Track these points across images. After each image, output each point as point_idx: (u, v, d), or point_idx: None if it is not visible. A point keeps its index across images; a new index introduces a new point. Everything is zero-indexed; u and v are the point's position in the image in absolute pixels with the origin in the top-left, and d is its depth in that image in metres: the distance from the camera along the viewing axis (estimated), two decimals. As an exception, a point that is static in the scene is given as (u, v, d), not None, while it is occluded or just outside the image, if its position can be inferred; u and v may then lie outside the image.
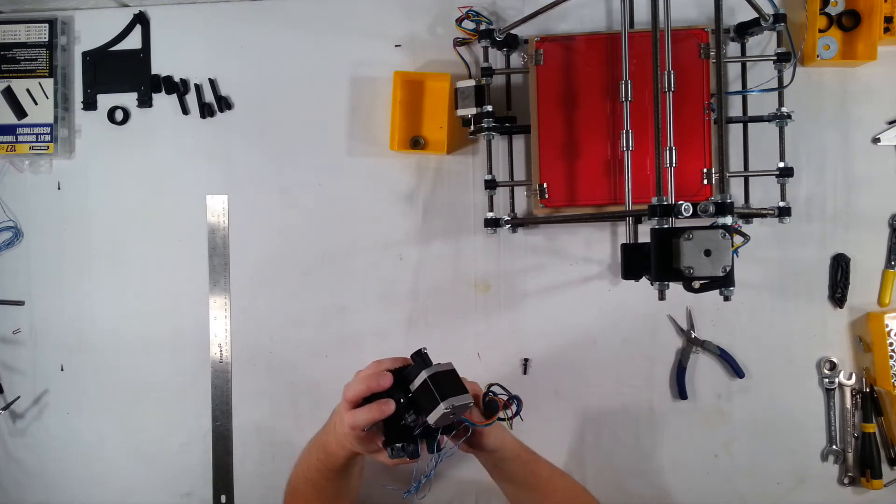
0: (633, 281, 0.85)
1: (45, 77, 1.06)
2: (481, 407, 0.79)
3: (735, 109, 1.01)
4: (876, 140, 1.01)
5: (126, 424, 1.08)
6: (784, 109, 0.96)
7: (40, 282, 1.09)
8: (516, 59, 1.03)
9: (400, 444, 0.75)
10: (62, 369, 1.09)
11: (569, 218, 0.99)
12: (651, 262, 0.78)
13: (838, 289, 1.01)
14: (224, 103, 1.07)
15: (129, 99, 1.08)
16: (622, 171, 0.92)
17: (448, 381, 0.74)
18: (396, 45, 1.05)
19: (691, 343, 1.02)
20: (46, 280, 1.09)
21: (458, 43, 1.02)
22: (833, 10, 0.98)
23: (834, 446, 1.02)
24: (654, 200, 0.79)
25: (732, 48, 1.01)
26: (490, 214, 1.01)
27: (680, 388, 1.02)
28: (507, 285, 1.05)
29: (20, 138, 1.06)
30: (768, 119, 0.97)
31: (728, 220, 0.76)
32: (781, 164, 0.97)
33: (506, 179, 1.03)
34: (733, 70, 1.01)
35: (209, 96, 1.07)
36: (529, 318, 1.04)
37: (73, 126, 1.09)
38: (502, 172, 1.04)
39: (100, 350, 1.08)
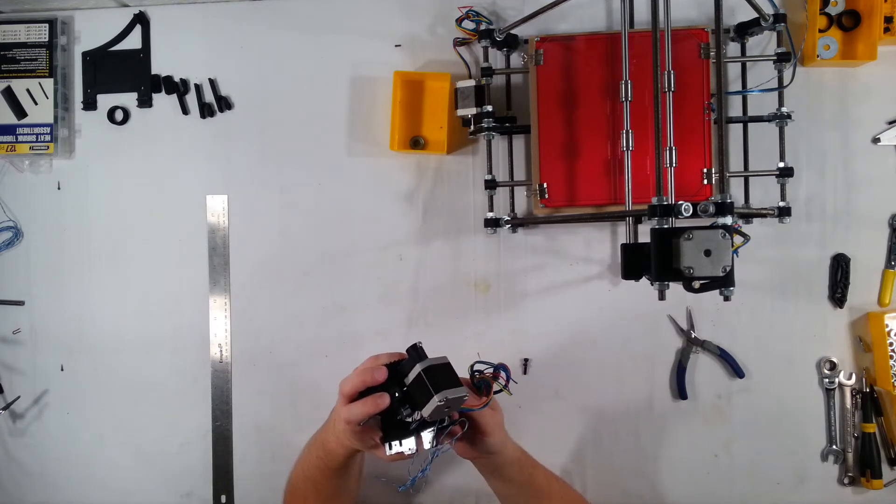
0: (633, 281, 0.85)
1: (45, 77, 1.06)
2: (474, 390, 0.78)
3: (735, 109, 1.01)
4: (876, 140, 1.01)
5: (126, 424, 1.08)
6: (784, 109, 0.96)
7: (40, 282, 1.09)
8: (516, 59, 1.03)
9: (397, 440, 0.75)
10: (62, 369, 1.09)
11: (569, 218, 0.99)
12: (651, 262, 0.78)
13: (838, 289, 1.01)
14: (224, 103, 1.07)
15: (129, 99, 1.08)
16: (622, 171, 0.92)
17: (442, 374, 0.74)
18: (396, 45, 1.05)
19: (691, 343, 1.02)
20: (46, 280, 1.09)
21: (458, 43, 1.02)
22: (833, 10, 0.98)
23: (834, 446, 1.02)
24: (654, 200, 0.79)
25: (732, 48, 1.01)
26: (490, 214, 1.01)
27: (680, 388, 1.02)
28: (507, 285, 1.05)
29: (20, 138, 1.06)
30: (768, 119, 0.97)
31: (728, 220, 0.76)
32: (781, 164, 0.97)
33: (506, 179, 1.03)
34: (733, 70, 1.01)
35: (209, 96, 1.07)
36: (529, 318, 1.04)
37: (73, 126, 1.09)
38: (502, 172, 1.04)
39: (100, 350, 1.08)
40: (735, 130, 1.00)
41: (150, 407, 1.08)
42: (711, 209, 0.76)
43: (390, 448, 0.75)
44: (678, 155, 0.83)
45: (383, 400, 0.73)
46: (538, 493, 0.88)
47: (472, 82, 0.99)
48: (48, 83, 1.06)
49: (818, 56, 0.97)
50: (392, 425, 0.75)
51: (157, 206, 1.08)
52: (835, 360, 1.01)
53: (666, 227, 0.78)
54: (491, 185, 1.01)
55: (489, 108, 0.98)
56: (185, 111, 1.08)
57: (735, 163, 1.00)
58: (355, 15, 1.06)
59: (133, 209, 1.08)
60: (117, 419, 1.08)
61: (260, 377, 1.07)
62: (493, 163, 1.01)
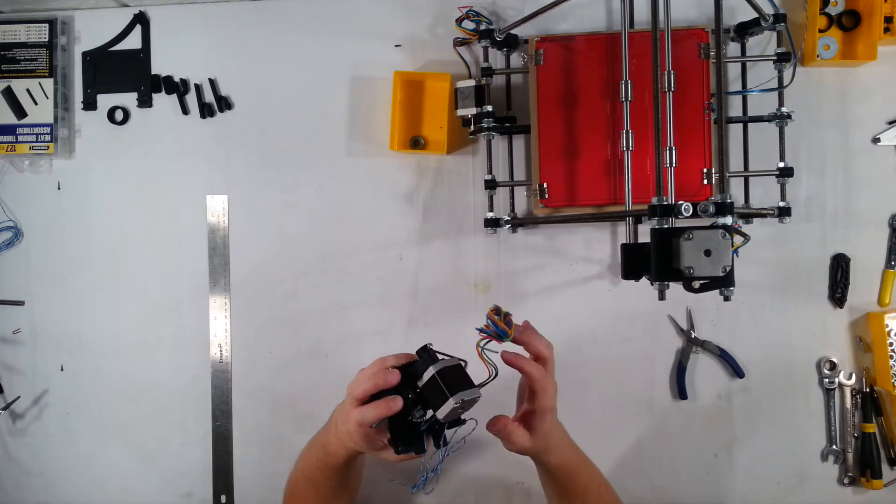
0: (633, 281, 0.85)
1: (45, 77, 1.06)
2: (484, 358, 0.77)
3: (735, 109, 1.01)
4: (876, 140, 1.01)
5: (126, 424, 1.08)
6: (784, 109, 0.96)
7: (40, 282, 1.09)
8: (516, 59, 1.03)
9: (406, 441, 0.75)
10: (62, 369, 1.09)
11: (569, 218, 0.99)
12: (651, 262, 0.78)
13: (838, 289, 1.01)
14: (224, 103, 1.07)
15: (129, 99, 1.08)
16: (622, 171, 0.92)
17: (456, 375, 0.74)
18: (396, 45, 1.05)
19: (691, 343, 1.02)
20: (46, 280, 1.09)
21: (458, 43, 1.02)
22: (833, 10, 0.98)
23: (834, 446, 1.02)
24: (654, 200, 0.79)
25: (732, 48, 1.01)
26: (490, 214, 1.01)
27: (680, 388, 1.02)
28: (507, 285, 1.05)
29: (20, 138, 1.06)
30: (768, 119, 0.97)
31: (728, 220, 0.76)
32: (781, 164, 0.97)
33: (506, 179, 1.03)
34: (733, 70, 1.01)
35: (209, 96, 1.07)
36: (529, 318, 1.04)
37: (73, 126, 1.09)
38: (502, 172, 1.04)
39: (100, 350, 1.08)
40: (735, 130, 1.00)
41: (150, 407, 1.08)
42: (711, 209, 0.76)
43: (399, 449, 0.75)
44: (678, 155, 0.83)
45: (396, 403, 0.73)
46: (576, 496, 0.86)
47: (472, 82, 0.99)
48: (48, 83, 1.06)
49: (818, 56, 0.97)
50: (400, 427, 0.75)
51: (157, 206, 1.08)
52: (835, 360, 1.01)
53: (666, 227, 0.78)
54: (491, 185, 1.01)
55: (489, 108, 0.98)
56: (185, 111, 1.08)
57: (735, 163, 1.00)
58: (355, 15, 1.06)
59: (133, 209, 1.08)
60: (117, 419, 1.08)
61: (260, 377, 1.07)
62: (493, 163, 1.01)
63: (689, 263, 0.74)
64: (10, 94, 1.06)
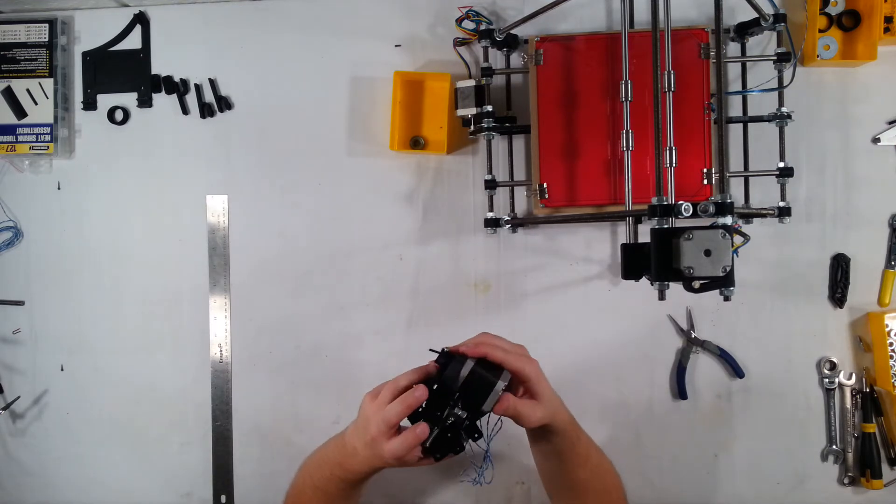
0: (633, 281, 0.85)
1: (45, 77, 1.06)
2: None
3: (735, 109, 1.01)
4: (876, 140, 1.01)
5: (126, 424, 1.08)
6: (784, 109, 0.96)
7: (40, 282, 1.09)
8: (516, 59, 1.03)
9: (442, 447, 0.76)
10: (62, 369, 1.09)
11: (569, 218, 0.99)
12: (651, 262, 0.78)
13: (838, 289, 1.01)
14: (224, 103, 1.07)
15: (129, 99, 1.08)
16: (622, 171, 0.92)
17: (486, 365, 0.76)
18: (396, 45, 1.05)
19: (691, 343, 1.02)
20: (46, 280, 1.09)
21: (458, 43, 1.02)
22: (833, 10, 0.98)
23: (834, 446, 1.02)
24: (654, 200, 0.79)
25: (732, 48, 1.01)
26: (490, 214, 1.01)
27: (680, 388, 1.02)
28: (507, 285, 1.05)
29: (20, 138, 1.06)
30: (768, 119, 0.97)
31: (728, 220, 0.76)
32: (781, 164, 0.97)
33: (506, 179, 1.03)
34: (733, 70, 1.01)
35: (209, 96, 1.07)
36: (529, 318, 1.04)
37: (73, 126, 1.09)
38: (502, 172, 1.04)
39: (100, 350, 1.08)
40: (735, 130, 1.00)
41: (150, 407, 1.08)
42: (711, 209, 0.76)
43: (440, 458, 0.76)
44: (678, 155, 0.83)
45: (424, 430, 0.74)
46: (576, 461, 0.85)
47: (472, 82, 0.99)
48: (48, 83, 1.06)
49: (818, 56, 0.97)
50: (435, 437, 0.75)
51: (157, 206, 1.08)
52: (835, 360, 1.01)
53: (666, 227, 0.78)
54: (491, 185, 1.01)
55: (489, 108, 0.98)
56: (185, 111, 1.08)
57: (735, 163, 1.00)
58: (355, 15, 1.06)
59: (133, 209, 1.08)
60: (117, 419, 1.08)
61: (260, 377, 1.07)
62: (493, 163, 1.01)
63: (689, 263, 0.74)
64: (10, 94, 1.06)
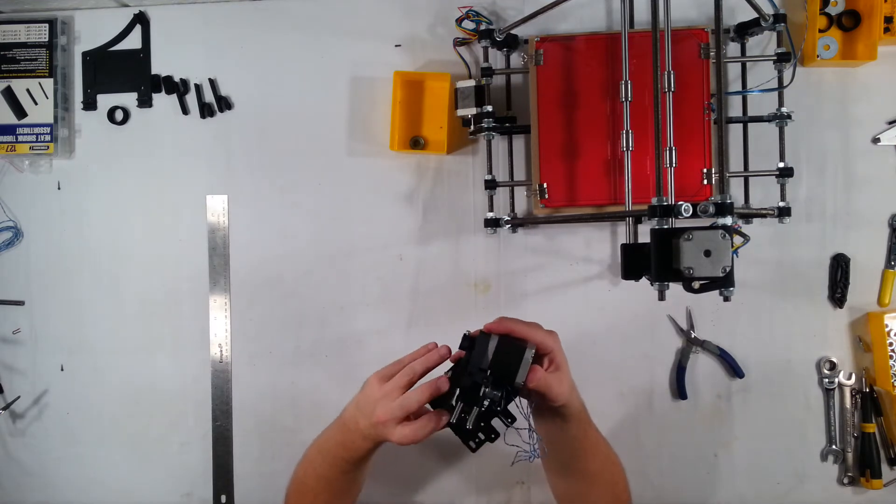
0: (633, 281, 0.85)
1: (45, 77, 1.06)
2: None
3: (735, 109, 1.01)
4: (876, 140, 1.01)
5: (126, 424, 1.08)
6: (784, 109, 0.96)
7: (40, 282, 1.09)
8: (516, 59, 1.03)
9: (474, 435, 0.76)
10: (62, 369, 1.09)
11: (569, 218, 0.99)
12: (651, 262, 0.78)
13: (838, 289, 1.01)
14: (224, 103, 1.07)
15: (129, 99, 1.08)
16: (622, 171, 0.92)
17: (508, 340, 0.76)
18: (396, 45, 1.05)
19: (691, 343, 1.02)
20: (46, 280, 1.09)
21: (458, 43, 1.02)
22: (833, 10, 0.98)
23: (834, 446, 1.02)
24: (654, 201, 0.79)
25: (732, 48, 1.01)
26: (490, 214, 1.01)
27: (680, 388, 1.02)
28: (507, 285, 1.05)
29: (20, 138, 1.06)
30: (768, 119, 0.97)
31: (728, 220, 0.76)
32: (781, 164, 0.97)
33: (506, 179, 1.03)
34: (733, 70, 1.01)
35: (209, 96, 1.07)
36: (529, 318, 1.04)
37: (73, 126, 1.09)
38: (502, 172, 1.04)
39: (100, 350, 1.08)
40: (735, 130, 1.00)
41: (150, 407, 1.08)
42: (711, 209, 0.76)
43: (476, 448, 0.76)
44: (678, 155, 0.83)
45: (442, 419, 0.75)
46: (586, 451, 0.85)
47: (472, 82, 0.99)
48: (48, 83, 1.06)
49: (818, 56, 0.97)
50: (461, 427, 0.75)
51: (157, 206, 1.08)
52: (835, 360, 1.01)
53: (666, 227, 0.78)
54: (491, 185, 1.01)
55: (489, 108, 0.98)
56: (185, 111, 1.08)
57: (735, 163, 1.00)
58: (355, 15, 1.06)
59: (133, 209, 1.08)
60: (117, 419, 1.08)
61: (260, 377, 1.07)
62: (493, 163, 1.01)
63: (689, 264, 0.74)
64: (10, 94, 1.06)
